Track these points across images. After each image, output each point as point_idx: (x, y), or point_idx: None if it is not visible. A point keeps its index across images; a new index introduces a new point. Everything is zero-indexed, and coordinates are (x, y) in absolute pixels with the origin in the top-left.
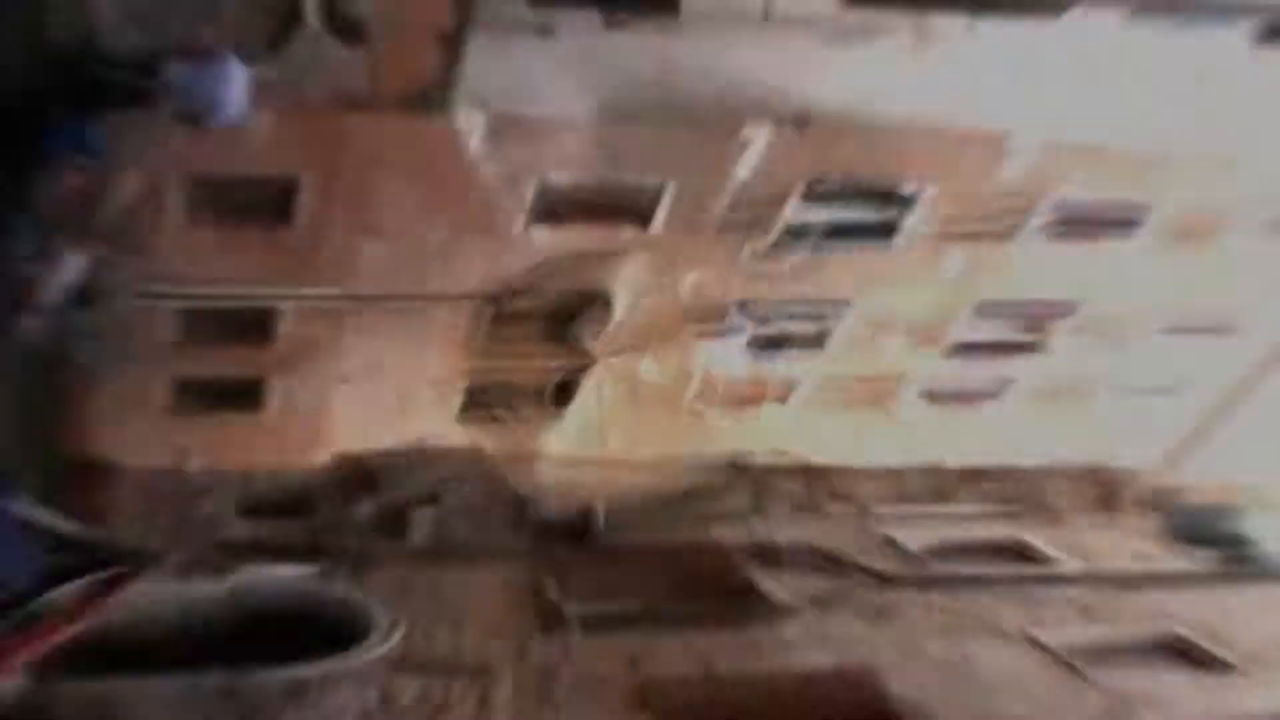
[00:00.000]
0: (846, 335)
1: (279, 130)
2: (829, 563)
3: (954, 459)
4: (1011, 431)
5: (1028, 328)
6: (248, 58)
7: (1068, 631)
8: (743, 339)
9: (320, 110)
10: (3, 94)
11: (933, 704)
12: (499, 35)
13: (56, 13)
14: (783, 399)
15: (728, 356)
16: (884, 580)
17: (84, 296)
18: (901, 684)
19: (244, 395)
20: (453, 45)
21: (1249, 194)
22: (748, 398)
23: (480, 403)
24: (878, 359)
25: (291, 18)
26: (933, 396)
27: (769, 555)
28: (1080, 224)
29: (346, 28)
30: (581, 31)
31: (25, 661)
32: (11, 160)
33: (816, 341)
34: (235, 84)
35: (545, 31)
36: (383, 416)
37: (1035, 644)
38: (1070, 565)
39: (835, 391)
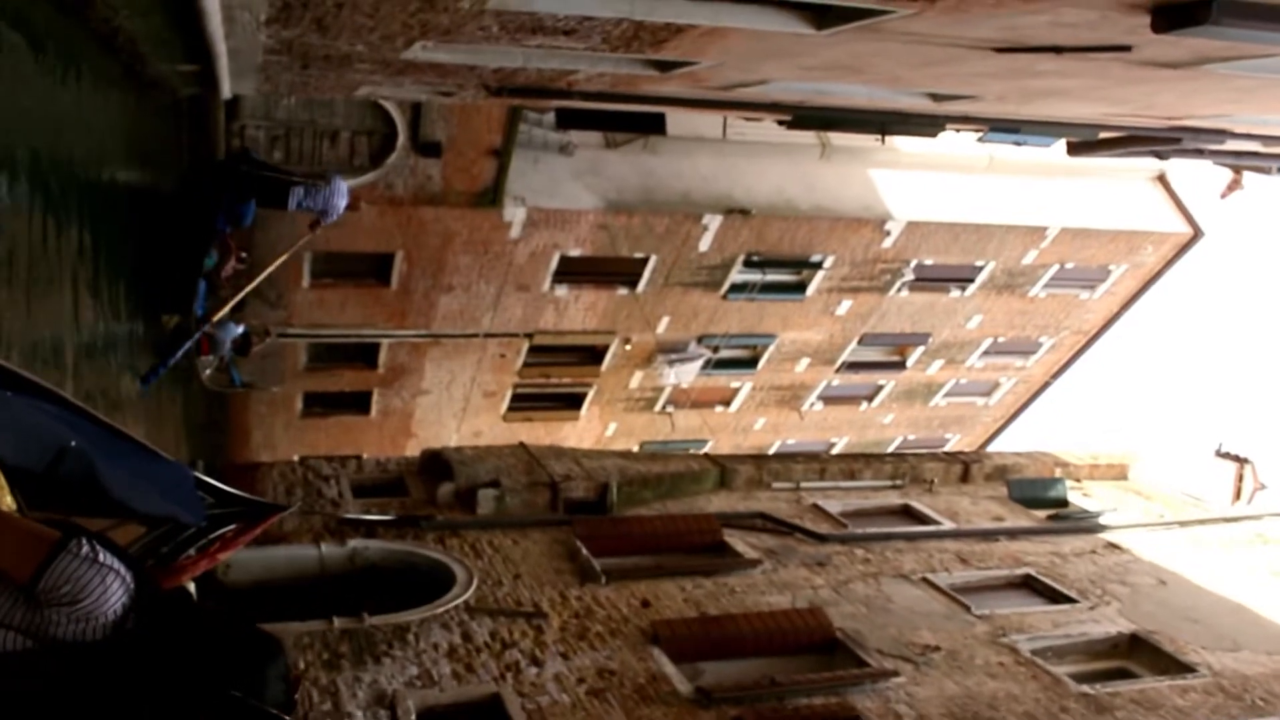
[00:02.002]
0: (771, 358)
1: (380, 218)
2: (777, 525)
3: (842, 443)
4: (876, 422)
5: (893, 352)
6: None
7: (952, 575)
8: (700, 361)
9: (408, 204)
10: (186, 196)
11: (864, 631)
12: (533, 152)
13: (224, 139)
14: (727, 402)
15: (689, 373)
16: (819, 538)
17: (242, 348)
18: (839, 617)
19: (355, 403)
20: (501, 159)
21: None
22: (703, 402)
23: (520, 407)
24: (791, 374)
25: (389, 139)
26: (827, 399)
27: (734, 521)
28: (932, 280)
29: (427, 146)
30: (589, 150)
31: (202, 570)
32: (192, 242)
33: (751, 363)
34: (342, 196)
35: (565, 150)
36: (451, 417)
37: (930, 584)
38: (946, 525)
39: (762, 396)
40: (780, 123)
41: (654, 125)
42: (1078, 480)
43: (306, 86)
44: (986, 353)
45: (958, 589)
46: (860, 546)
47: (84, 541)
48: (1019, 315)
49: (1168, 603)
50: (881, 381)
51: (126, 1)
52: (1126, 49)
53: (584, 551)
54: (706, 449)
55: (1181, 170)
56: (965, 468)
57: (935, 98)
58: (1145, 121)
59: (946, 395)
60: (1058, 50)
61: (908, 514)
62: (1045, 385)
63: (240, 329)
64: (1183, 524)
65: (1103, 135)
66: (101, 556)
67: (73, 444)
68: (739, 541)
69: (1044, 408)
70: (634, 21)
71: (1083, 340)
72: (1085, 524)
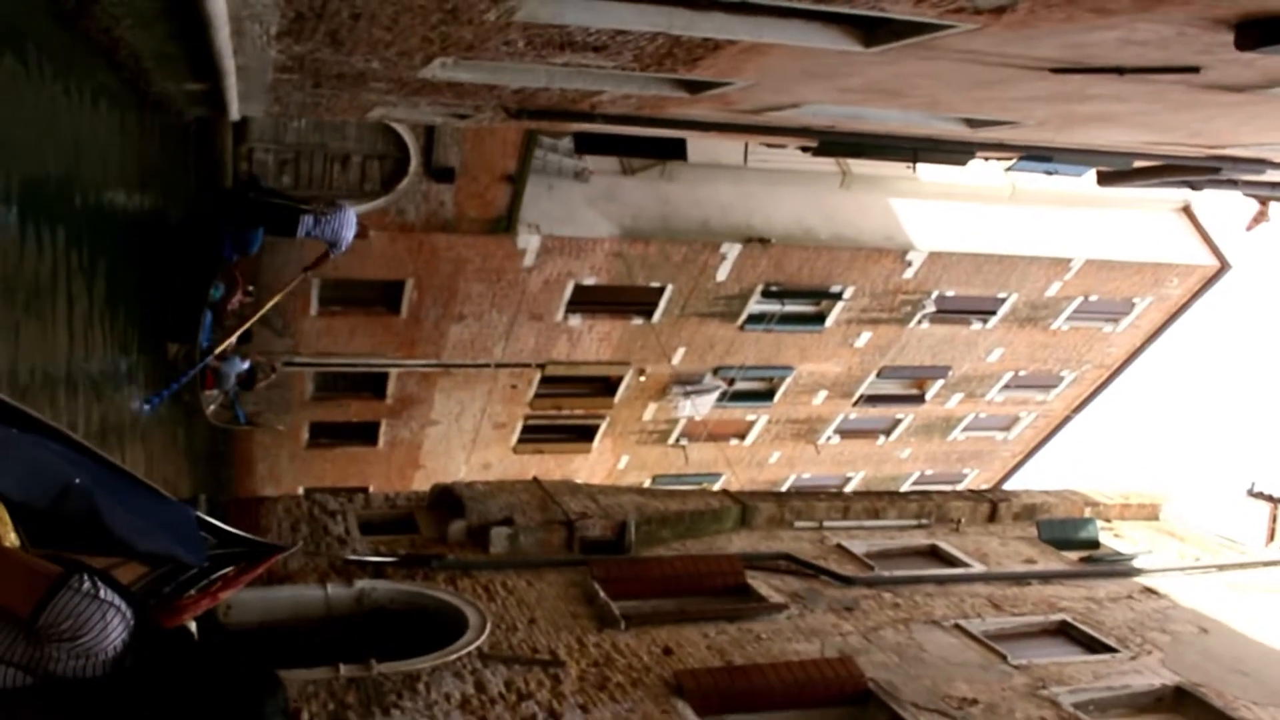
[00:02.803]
0: (788, 390)
1: (391, 245)
2: (802, 567)
3: (858, 478)
4: (893, 456)
5: (912, 385)
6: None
7: (985, 621)
8: (715, 394)
9: (420, 231)
10: (192, 224)
11: (896, 682)
12: (547, 178)
13: (232, 163)
14: (742, 435)
15: (704, 406)
16: (845, 581)
17: (247, 383)
18: (871, 666)
19: (362, 434)
20: (515, 185)
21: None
22: (718, 435)
23: (531, 439)
24: (808, 407)
25: (401, 164)
26: (844, 433)
27: (757, 562)
28: (953, 312)
29: (440, 171)
30: (605, 177)
31: (203, 611)
32: (197, 271)
33: (767, 395)
34: (351, 226)
35: (580, 176)
36: (460, 449)
37: (964, 631)
38: (976, 567)
39: (777, 429)
40: (804, 149)
41: (675, 151)
42: (1108, 520)
43: (318, 107)
44: (1007, 386)
45: (992, 636)
46: (889, 590)
47: (85, 578)
48: (1041, 348)
49: (1212, 653)
50: (900, 415)
51: (129, 10)
52: (1194, 70)
53: (602, 594)
54: (721, 483)
55: (1208, 202)
56: (993, 507)
57: (971, 123)
58: (1185, 150)
59: (965, 429)
60: (1120, 71)
61: (935, 555)
62: (1066, 420)
63: (245, 364)
64: (1220, 568)
65: (1137, 165)
66: (103, 593)
67: (76, 481)
68: (763, 584)
69: (1063, 443)
70: (670, 37)
71: (1105, 374)
72: (1120, 568)
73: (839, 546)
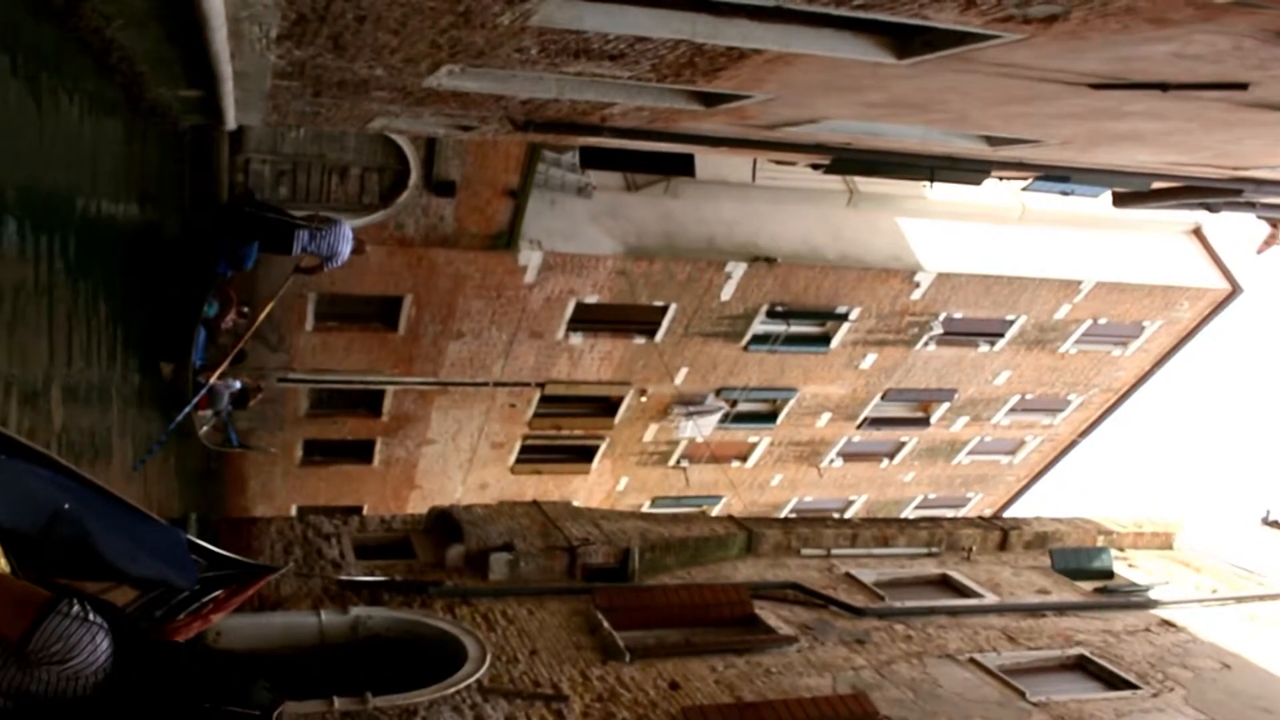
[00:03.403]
0: (791, 412)
1: (389, 260)
2: (810, 597)
3: (861, 501)
4: (896, 480)
5: (917, 408)
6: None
7: (1001, 655)
8: (718, 415)
9: (419, 245)
10: (187, 237)
11: (911, 719)
12: (550, 194)
13: (228, 174)
14: (744, 457)
15: (706, 427)
16: (856, 612)
17: (239, 401)
18: (885, 703)
19: (357, 452)
20: (517, 200)
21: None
22: (719, 456)
23: (529, 459)
24: (811, 429)
25: (401, 177)
26: (847, 456)
27: (765, 591)
28: (961, 334)
29: (441, 185)
30: (609, 193)
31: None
32: (192, 287)
33: (770, 417)
34: (347, 241)
35: (583, 192)
36: (457, 468)
37: (979, 666)
38: (989, 598)
39: (780, 451)
40: (815, 167)
41: (682, 167)
42: (1121, 549)
43: (318, 117)
44: (1013, 410)
45: (1008, 671)
46: (901, 621)
47: (74, 602)
48: (1048, 372)
49: (1235, 690)
50: (904, 438)
51: (120, 10)
52: (1242, 87)
53: (606, 625)
54: (722, 506)
55: (1218, 224)
56: (1004, 535)
57: (992, 141)
58: (1208, 171)
59: (970, 453)
60: (1164, 87)
61: (946, 585)
62: (1071, 445)
63: (237, 384)
64: (1239, 600)
65: (1156, 185)
66: (91, 616)
67: (66, 507)
68: (771, 615)
69: (1069, 469)
70: (693, 45)
71: (1112, 399)
72: (1137, 599)
73: (848, 575)
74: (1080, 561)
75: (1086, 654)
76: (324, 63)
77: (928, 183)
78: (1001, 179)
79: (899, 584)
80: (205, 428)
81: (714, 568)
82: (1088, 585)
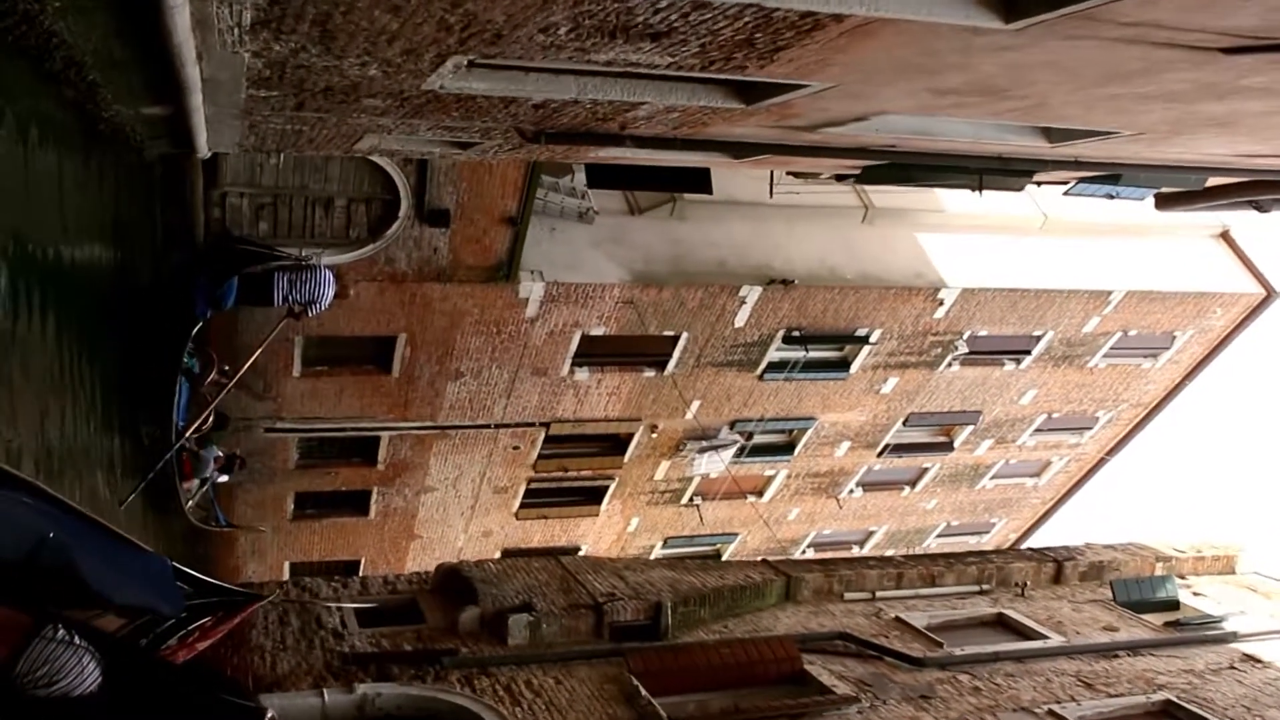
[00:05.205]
0: (809, 443)
1: (380, 297)
2: (863, 647)
3: (881, 532)
4: (918, 508)
5: (940, 432)
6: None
7: (1081, 706)
8: (732, 449)
9: (412, 280)
10: (161, 282)
11: None
12: (549, 220)
13: (203, 210)
14: (759, 492)
15: (720, 462)
16: (915, 663)
17: (227, 467)
18: None
19: (352, 503)
20: (516, 228)
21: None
22: (733, 492)
23: (534, 504)
24: (830, 459)
25: (390, 207)
26: (867, 485)
27: (812, 644)
28: (986, 353)
29: (434, 214)
30: (611, 217)
31: (183, 659)
32: (169, 336)
33: (787, 448)
34: (330, 284)
35: (585, 217)
36: (458, 516)
37: (1059, 719)
38: (1054, 639)
39: (797, 484)
40: (840, 178)
41: (698, 183)
42: (1182, 576)
43: (300, 137)
44: (1039, 430)
45: None
46: (965, 671)
47: (59, 626)
48: (1076, 388)
49: None
50: (926, 464)
51: None
52: None
53: (643, 692)
54: (736, 544)
55: (1247, 226)
56: (1058, 567)
57: (1052, 137)
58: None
59: (994, 477)
60: None
61: (1004, 626)
62: (1099, 464)
63: (218, 452)
64: None
65: (1210, 183)
66: (78, 640)
67: (51, 535)
68: (823, 670)
69: (1095, 489)
70: (763, 13)
71: (1141, 414)
72: (1214, 633)
73: (898, 620)
74: (1144, 592)
75: (1173, 699)
76: (308, 61)
77: (975, 191)
78: (1040, 184)
79: (953, 627)
80: (190, 503)
81: (752, 619)
82: (1155, 618)
